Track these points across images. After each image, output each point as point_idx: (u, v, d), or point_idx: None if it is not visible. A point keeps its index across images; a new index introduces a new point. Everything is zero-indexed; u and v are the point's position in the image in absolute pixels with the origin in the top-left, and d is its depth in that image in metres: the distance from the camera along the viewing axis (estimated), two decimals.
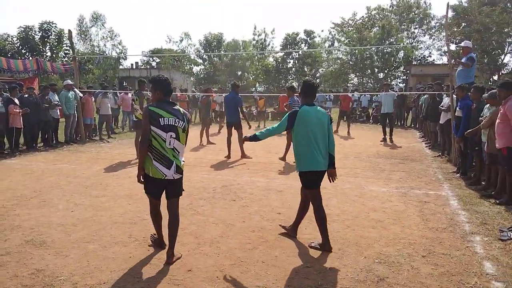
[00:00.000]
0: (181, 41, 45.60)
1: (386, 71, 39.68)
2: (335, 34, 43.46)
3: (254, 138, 4.28)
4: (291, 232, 4.60)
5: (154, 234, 4.26)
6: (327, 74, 42.16)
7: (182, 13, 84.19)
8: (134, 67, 50.32)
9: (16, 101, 9.95)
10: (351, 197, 6.23)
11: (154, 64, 51.80)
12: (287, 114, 4.23)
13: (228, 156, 9.70)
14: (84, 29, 42.12)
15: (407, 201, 5.98)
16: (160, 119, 3.67)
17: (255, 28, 43.62)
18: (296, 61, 43.75)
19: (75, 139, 12.25)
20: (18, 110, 9.80)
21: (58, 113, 11.73)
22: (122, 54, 43.05)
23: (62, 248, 4.22)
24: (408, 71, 38.39)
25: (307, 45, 43.02)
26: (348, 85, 41.71)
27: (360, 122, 19.61)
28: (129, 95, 14.58)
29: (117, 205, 5.80)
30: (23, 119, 10.05)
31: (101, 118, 13.33)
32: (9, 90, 10.31)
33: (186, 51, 45.11)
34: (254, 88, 41.35)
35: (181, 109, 3.87)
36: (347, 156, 9.98)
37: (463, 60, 8.49)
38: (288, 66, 43.87)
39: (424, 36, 42.86)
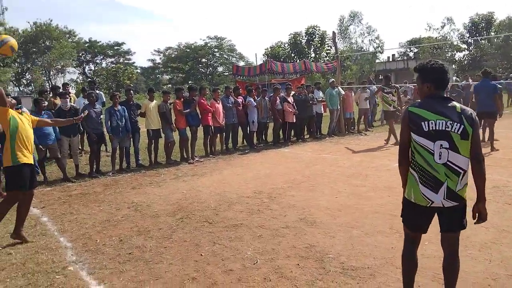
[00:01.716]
0: (442, 27, 42.18)
1: None
2: None
3: None
4: None
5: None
6: None
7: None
8: (390, 59, 49.91)
9: (290, 99, 11.60)
10: None
11: (411, 54, 49.90)
12: None
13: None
14: (344, 28, 44.66)
15: None
16: (423, 123, 2.65)
17: None
18: None
19: (336, 132, 13.24)
20: (291, 110, 11.39)
21: (322, 109, 12.97)
22: (379, 48, 43.32)
23: (329, 229, 4.71)
24: None
25: None
26: None
27: None
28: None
29: (377, 196, 5.98)
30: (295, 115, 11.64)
31: (360, 112, 13.92)
32: (286, 90, 12.09)
33: (448, 37, 41.39)
34: None
35: (458, 105, 2.67)
36: None
37: None
38: None
39: None
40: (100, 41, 53.60)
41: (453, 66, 42.71)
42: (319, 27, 38.89)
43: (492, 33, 39.23)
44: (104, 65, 53.99)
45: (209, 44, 55.09)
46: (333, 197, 6.04)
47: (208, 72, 57.11)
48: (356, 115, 13.97)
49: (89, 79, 33.43)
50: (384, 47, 43.78)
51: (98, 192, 7.07)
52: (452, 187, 2.63)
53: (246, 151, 10.76)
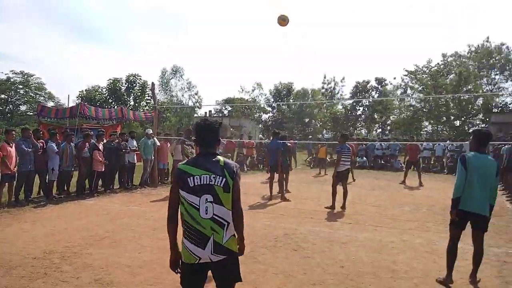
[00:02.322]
0: (253, 90, 47.53)
1: (463, 119, 37.63)
2: (408, 81, 42.58)
3: (455, 202, 4.50)
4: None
5: None
6: (399, 121, 40.94)
7: (255, 65, 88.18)
8: (208, 115, 52.92)
9: (101, 147, 10.89)
10: (421, 253, 5.82)
11: (226, 112, 54.11)
12: (459, 161, 4.49)
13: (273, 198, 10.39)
14: (165, 81, 45.70)
15: (484, 261, 5.42)
16: (189, 178, 2.66)
17: (324, 77, 44.38)
18: (366, 108, 43.22)
19: (148, 183, 12.96)
20: (100, 159, 10.68)
21: (135, 158, 12.61)
22: (197, 103, 45.61)
23: None
24: (487, 119, 35.99)
25: (378, 92, 42.51)
26: (422, 133, 40.01)
27: (433, 172, 18.54)
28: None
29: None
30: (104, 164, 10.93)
31: (174, 163, 14.03)
32: (96, 137, 11.33)
33: (257, 100, 46.67)
34: (321, 135, 41.23)
35: (222, 159, 2.79)
36: (419, 208, 9.44)
37: None
38: (358, 113, 43.43)
39: (506, 82, 40.38)
40: None
41: (260, 125, 48.09)
42: (141, 76, 38.79)
43: (291, 100, 46.08)
44: None
45: (12, 80, 48.34)
46: (136, 253, 5.73)
47: (7, 110, 49.58)
48: (170, 166, 14.06)
49: None
50: (202, 103, 46.42)
51: None
52: (219, 240, 2.68)
53: (42, 203, 9.46)
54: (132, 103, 38.86)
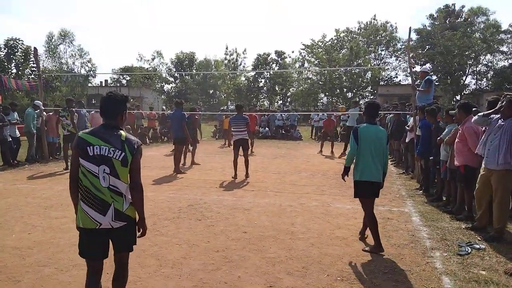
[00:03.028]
0: (152, 59, 45.55)
1: (354, 91, 40.80)
2: (305, 55, 44.48)
3: (347, 169, 4.86)
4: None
5: None
6: (298, 93, 42.92)
7: (154, 32, 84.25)
8: (103, 84, 49.61)
9: None
10: (317, 214, 6.27)
11: (124, 82, 51.24)
12: (351, 134, 4.76)
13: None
14: (52, 47, 41.38)
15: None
16: (88, 148, 2.73)
17: (226, 48, 44.31)
18: (268, 81, 44.36)
19: (37, 158, 11.85)
20: None
21: (17, 132, 11.39)
22: (91, 72, 42.39)
23: (15, 272, 4.02)
24: (375, 91, 39.56)
25: (278, 65, 43.76)
26: (318, 104, 42.50)
27: (327, 140, 19.84)
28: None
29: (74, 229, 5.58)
30: None
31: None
32: None
33: (158, 70, 44.93)
34: (225, 106, 41.46)
35: (124, 134, 2.85)
36: (315, 174, 10.10)
37: (422, 83, 8.92)
38: (260, 85, 44.39)
39: (391, 57, 44.62)
40: None
41: (163, 96, 46.56)
42: (22, 41, 34.41)
43: (194, 71, 45.22)
44: None
45: None
46: (25, 234, 5.24)
47: None
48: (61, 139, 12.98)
49: None
50: (97, 72, 43.22)
51: None
52: (119, 208, 2.78)
53: None
54: (14, 70, 34.52)
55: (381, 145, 4.72)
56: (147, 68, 45.71)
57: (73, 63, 42.27)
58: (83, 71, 41.28)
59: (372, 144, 4.66)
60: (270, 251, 4.67)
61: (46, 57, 40.71)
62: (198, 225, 5.73)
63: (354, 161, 4.80)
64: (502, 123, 4.98)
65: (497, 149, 4.95)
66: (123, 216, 2.79)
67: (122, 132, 2.84)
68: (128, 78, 48.96)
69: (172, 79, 46.70)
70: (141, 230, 2.97)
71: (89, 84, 44.80)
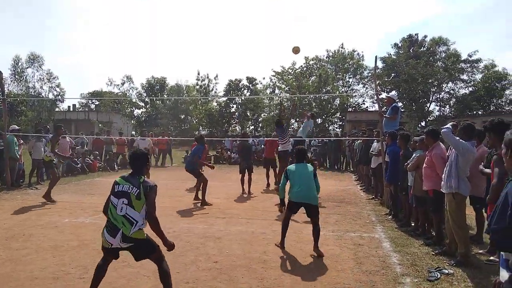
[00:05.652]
0: (122, 84, 45.04)
1: (324, 117, 41.55)
2: (276, 82, 45.13)
3: (282, 200, 6.35)
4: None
5: None
6: (269, 119, 43.26)
7: (125, 57, 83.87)
8: (71, 109, 48.54)
9: None
10: (290, 242, 6.21)
11: (93, 106, 50.32)
12: (284, 173, 6.08)
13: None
14: (19, 70, 40.32)
15: (342, 244, 6.09)
16: (116, 186, 3.76)
17: (198, 74, 44.26)
18: (239, 106, 44.60)
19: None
20: None
21: None
22: (59, 96, 41.45)
23: None
24: (344, 117, 40.47)
25: (249, 91, 44.17)
26: (290, 129, 42.90)
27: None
28: (67, 139, 13.97)
29: (40, 258, 5.32)
30: None
31: (33, 163, 12.50)
32: None
33: (128, 94, 44.43)
34: (197, 132, 41.21)
35: (143, 178, 3.79)
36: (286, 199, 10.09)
37: (388, 110, 9.21)
38: (232, 111, 44.56)
39: (358, 84, 45.97)
40: None
41: (132, 121, 45.93)
42: None
43: (165, 96, 44.97)
44: None
45: None
46: None
47: None
48: (28, 166, 12.49)
49: None
50: (65, 96, 42.30)
51: None
52: (126, 232, 3.61)
53: None
54: None
55: (308, 177, 5.86)
56: (117, 93, 45.16)
57: (41, 87, 41.31)
58: (51, 96, 40.34)
59: (301, 176, 5.84)
60: (242, 281, 4.58)
61: (11, 81, 39.60)
62: (167, 255, 5.47)
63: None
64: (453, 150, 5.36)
65: (446, 175, 5.32)
66: (128, 239, 3.61)
67: (142, 177, 3.81)
68: (97, 102, 48.10)
69: (143, 104, 46.26)
70: (166, 248, 3.85)
71: (57, 109, 43.71)
